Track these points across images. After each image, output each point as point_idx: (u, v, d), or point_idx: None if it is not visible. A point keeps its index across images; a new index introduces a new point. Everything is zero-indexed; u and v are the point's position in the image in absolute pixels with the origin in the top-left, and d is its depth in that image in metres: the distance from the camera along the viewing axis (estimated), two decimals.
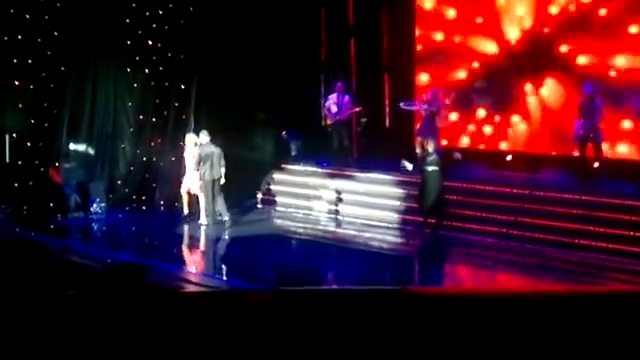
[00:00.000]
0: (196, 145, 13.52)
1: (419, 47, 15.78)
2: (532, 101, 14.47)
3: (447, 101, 14.91)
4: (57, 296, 3.02)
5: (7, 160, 13.58)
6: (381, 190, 14.10)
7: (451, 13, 15.34)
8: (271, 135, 16.26)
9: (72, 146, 14.23)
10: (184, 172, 13.87)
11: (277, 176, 15.58)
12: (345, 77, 16.04)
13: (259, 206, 15.36)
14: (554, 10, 14.00)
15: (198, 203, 13.64)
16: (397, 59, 16.13)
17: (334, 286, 11.55)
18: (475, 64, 15.09)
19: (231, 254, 12.82)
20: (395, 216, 13.64)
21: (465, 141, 15.36)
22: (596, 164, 12.79)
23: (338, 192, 14.60)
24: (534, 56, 14.27)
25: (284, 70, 15.70)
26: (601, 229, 11.48)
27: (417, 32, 15.77)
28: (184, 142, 13.99)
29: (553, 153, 14.13)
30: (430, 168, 11.99)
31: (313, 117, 16.30)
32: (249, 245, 12.57)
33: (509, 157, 14.48)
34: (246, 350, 2.48)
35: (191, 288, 10.22)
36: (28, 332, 2.55)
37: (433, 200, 12.05)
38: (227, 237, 13.23)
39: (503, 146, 14.92)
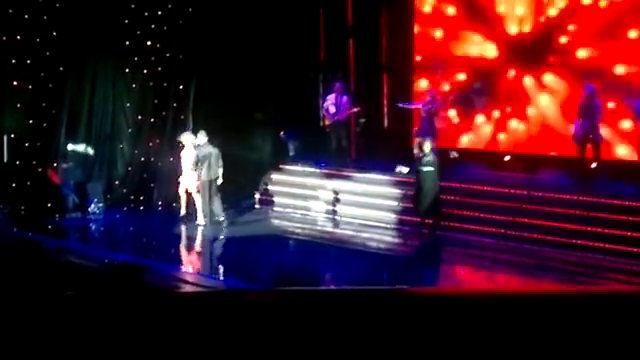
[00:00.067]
0: (193, 145, 13.52)
1: (418, 48, 15.79)
2: (531, 101, 14.49)
3: (450, 98, 14.91)
4: (55, 296, 3.02)
5: (5, 160, 13.58)
6: (379, 190, 14.11)
7: (450, 12, 15.34)
8: (269, 135, 16.26)
9: (70, 146, 14.22)
10: (181, 172, 13.87)
11: (275, 176, 15.58)
12: (344, 77, 16.05)
13: (257, 206, 15.37)
14: (553, 11, 14.02)
15: (195, 204, 13.64)
16: (396, 59, 16.14)
17: (332, 286, 11.55)
18: (474, 64, 15.10)
19: (229, 254, 12.82)
20: (393, 216, 13.65)
21: (463, 141, 15.37)
22: (594, 165, 12.79)
23: (336, 192, 14.60)
24: (533, 56, 14.29)
25: (282, 70, 15.71)
26: (599, 229, 11.49)
27: (416, 32, 15.78)
28: (180, 142, 13.95)
29: (552, 153, 14.14)
30: (426, 169, 11.92)
31: (311, 117, 16.30)
32: (247, 245, 12.57)
33: (507, 157, 14.49)
34: (244, 350, 2.48)
35: (189, 288, 10.21)
36: (26, 332, 2.55)
37: (430, 201, 12.00)
38: (225, 237, 13.23)
39: (501, 146, 14.92)
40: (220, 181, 13.37)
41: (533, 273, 11.20)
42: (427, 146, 12.01)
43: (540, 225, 11.99)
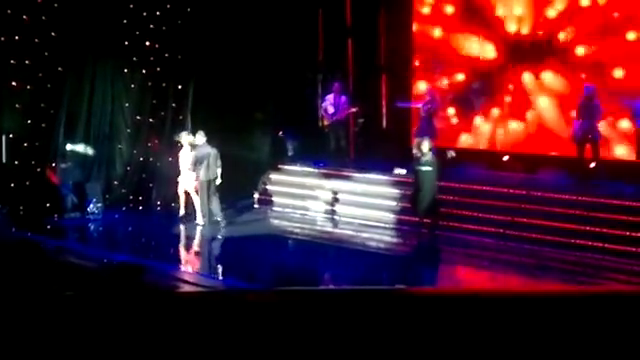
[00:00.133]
0: (191, 145, 13.51)
1: (416, 48, 15.80)
2: (530, 101, 14.49)
3: (449, 98, 14.91)
4: (54, 296, 3.01)
5: (4, 160, 13.57)
6: (378, 190, 14.11)
7: (449, 13, 15.34)
8: (268, 135, 16.26)
9: (69, 146, 14.22)
10: (179, 172, 13.86)
11: (274, 176, 15.58)
12: (342, 78, 16.05)
13: (256, 206, 15.37)
14: (552, 12, 14.02)
15: (194, 204, 13.64)
16: (394, 60, 16.14)
17: (331, 286, 11.54)
18: (473, 64, 15.11)
19: (228, 254, 12.81)
20: (392, 216, 13.65)
21: (463, 141, 15.37)
22: (593, 164, 12.79)
23: (335, 192, 14.60)
24: (532, 56, 14.29)
25: (281, 70, 15.71)
26: (598, 229, 11.50)
27: (414, 32, 15.78)
28: (178, 142, 13.91)
29: (552, 153, 14.14)
30: (425, 168, 11.84)
31: (310, 117, 16.30)
32: (246, 245, 12.56)
33: (506, 157, 14.49)
34: (244, 350, 2.48)
35: (188, 288, 10.21)
36: (25, 332, 2.55)
37: (428, 201, 11.95)
38: (224, 237, 13.23)
39: (500, 146, 14.92)
40: (219, 181, 13.37)
41: (533, 273, 11.20)
42: (425, 146, 11.92)
43: (539, 225, 11.99)
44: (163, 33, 14.75)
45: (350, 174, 14.75)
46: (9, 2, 13.15)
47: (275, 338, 2.48)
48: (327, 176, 14.86)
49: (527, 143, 14.58)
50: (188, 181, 13.62)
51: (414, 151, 13.23)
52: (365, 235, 13.35)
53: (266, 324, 2.52)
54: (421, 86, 15.68)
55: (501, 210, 12.53)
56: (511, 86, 14.66)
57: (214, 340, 2.50)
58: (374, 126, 16.28)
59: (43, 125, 13.80)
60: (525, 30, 14.37)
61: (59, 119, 13.93)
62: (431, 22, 15.63)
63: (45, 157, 13.86)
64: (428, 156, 11.85)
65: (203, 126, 13.92)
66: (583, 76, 13.53)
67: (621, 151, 13.50)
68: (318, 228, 14.07)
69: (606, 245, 11.30)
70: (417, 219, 12.54)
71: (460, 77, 15.37)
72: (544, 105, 14.34)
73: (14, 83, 13.42)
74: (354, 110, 15.63)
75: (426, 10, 15.70)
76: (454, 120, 15.52)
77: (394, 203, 13.75)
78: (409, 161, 13.21)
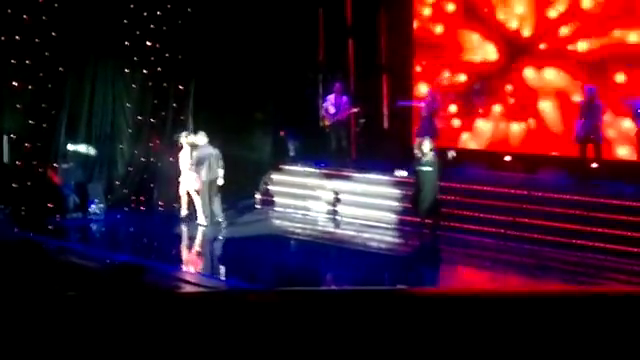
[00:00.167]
0: (191, 145, 13.51)
1: (417, 48, 15.79)
2: (531, 101, 14.48)
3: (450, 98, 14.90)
4: (56, 296, 3.02)
5: (5, 161, 13.59)
6: (379, 191, 14.11)
7: (450, 12, 15.33)
8: (269, 135, 16.26)
9: (70, 147, 14.22)
10: (180, 173, 13.86)
11: (275, 177, 15.58)
12: (343, 78, 16.04)
13: (257, 206, 15.37)
14: (553, 12, 14.02)
15: (195, 204, 13.65)
16: (395, 60, 16.13)
17: (333, 286, 11.55)
18: (474, 64, 15.11)
19: (229, 254, 12.82)
20: (393, 217, 13.65)
21: (464, 141, 15.36)
22: (594, 165, 12.79)
23: (336, 193, 14.60)
24: (534, 55, 14.29)
25: (282, 71, 15.70)
26: (599, 229, 11.49)
27: (415, 32, 15.78)
28: (179, 142, 13.90)
29: (553, 153, 14.14)
30: (425, 169, 11.79)
31: (311, 118, 16.29)
32: (247, 245, 12.56)
33: (507, 157, 14.48)
34: (245, 351, 2.48)
35: (189, 288, 10.21)
36: (27, 332, 2.55)
37: (429, 201, 11.90)
38: (225, 238, 13.23)
39: (502, 146, 14.91)
40: (221, 182, 13.36)
41: (533, 273, 11.20)
42: (426, 146, 11.87)
43: (540, 225, 11.98)
44: (164, 33, 14.75)
45: (351, 174, 14.75)
46: (10, 2, 13.16)
47: (277, 338, 2.48)
48: (328, 176, 14.86)
49: (528, 143, 14.57)
50: (189, 181, 13.62)
51: (415, 151, 13.24)
52: (366, 235, 13.35)
53: (268, 324, 2.52)
54: (422, 86, 15.67)
55: (502, 210, 12.52)
56: (512, 86, 14.64)
57: (215, 340, 2.51)
58: (375, 126, 16.27)
59: (44, 125, 13.81)
60: (526, 30, 14.36)
61: (60, 119, 13.94)
62: (432, 22, 15.62)
63: (47, 157, 13.88)
64: (429, 156, 11.81)
65: (204, 126, 13.93)
66: (585, 76, 13.50)
67: (622, 151, 13.49)
68: (319, 228, 14.07)
69: (607, 245, 11.28)
70: (418, 219, 12.53)
71: (461, 77, 15.36)
72: (545, 105, 14.33)
73: (15, 83, 13.43)
74: (355, 110, 15.62)
75: (427, 9, 15.69)
76: (455, 120, 15.51)
77: (395, 203, 13.74)
78: (410, 161, 13.21)
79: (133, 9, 14.37)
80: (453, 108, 15.46)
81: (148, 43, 14.67)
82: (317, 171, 15.09)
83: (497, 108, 14.97)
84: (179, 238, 13.48)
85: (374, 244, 13.02)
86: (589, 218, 11.70)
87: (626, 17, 13.18)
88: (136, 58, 14.62)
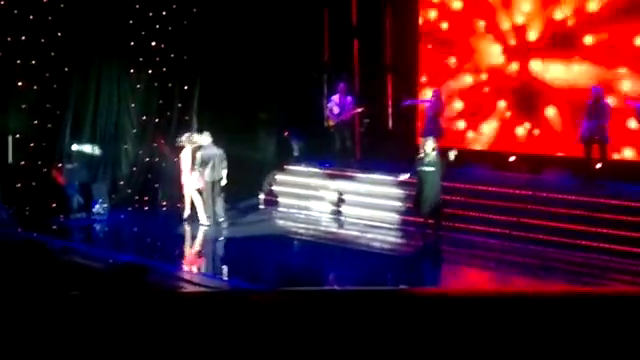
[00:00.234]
0: (194, 146, 13.50)
1: (422, 48, 15.78)
2: (537, 101, 14.45)
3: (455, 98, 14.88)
4: (59, 296, 3.02)
5: (10, 160, 13.60)
6: (383, 191, 14.09)
7: (456, 12, 15.31)
8: (273, 136, 16.27)
9: (75, 147, 14.24)
10: (181, 173, 13.86)
11: (279, 177, 15.58)
12: (348, 78, 16.03)
13: (261, 207, 15.37)
14: (560, 13, 13.99)
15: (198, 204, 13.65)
16: (400, 60, 16.12)
17: (336, 287, 11.54)
18: (479, 63, 15.09)
19: (233, 255, 12.82)
20: (397, 217, 13.64)
21: (468, 142, 15.34)
22: (599, 165, 12.75)
23: (340, 193, 14.60)
24: (540, 56, 14.27)
25: (287, 71, 15.71)
26: (604, 230, 11.46)
27: (420, 32, 15.76)
28: (180, 143, 13.87)
29: (558, 154, 14.11)
30: (428, 169, 11.63)
31: (316, 118, 16.29)
32: (251, 246, 12.57)
33: (512, 158, 14.46)
34: (247, 350, 2.48)
35: (192, 288, 10.22)
36: (30, 332, 2.55)
37: (431, 202, 11.77)
38: (229, 238, 13.23)
39: (506, 147, 14.88)
40: (224, 182, 13.37)
41: (538, 274, 11.18)
42: (428, 146, 11.77)
43: (545, 226, 11.96)
44: (169, 33, 14.77)
45: (355, 174, 14.74)
46: (16, 2, 13.18)
47: (279, 338, 2.48)
48: (332, 176, 14.86)
49: (533, 143, 14.54)
50: (191, 182, 13.62)
51: (420, 151, 13.16)
52: (370, 236, 13.34)
53: (270, 325, 2.52)
54: (427, 86, 15.66)
55: (507, 211, 12.50)
56: (518, 86, 14.61)
57: (218, 340, 2.50)
58: (380, 126, 16.26)
59: (49, 125, 13.83)
60: (533, 31, 14.32)
61: (65, 119, 13.95)
62: (437, 21, 15.61)
63: (51, 157, 13.89)
64: (431, 156, 11.66)
65: (209, 126, 13.94)
66: (592, 76, 13.48)
67: (628, 152, 13.45)
68: (323, 229, 14.06)
69: (612, 246, 11.26)
70: (421, 220, 12.50)
71: (467, 77, 15.34)
72: (551, 105, 14.30)
73: (20, 83, 13.45)
74: (359, 110, 15.62)
75: (432, 9, 15.67)
76: (460, 120, 15.49)
77: (399, 204, 13.73)
78: (414, 162, 13.18)
79: (138, 9, 14.39)
80: (458, 109, 15.43)
81: (153, 43, 14.69)
82: (321, 171, 15.09)
83: (502, 108, 14.94)
84: (182, 238, 13.49)
85: (377, 244, 13.01)
86: (594, 219, 11.68)
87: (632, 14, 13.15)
88: (141, 58, 14.64)
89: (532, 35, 14.32)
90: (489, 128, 15.18)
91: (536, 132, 14.51)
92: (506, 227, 12.29)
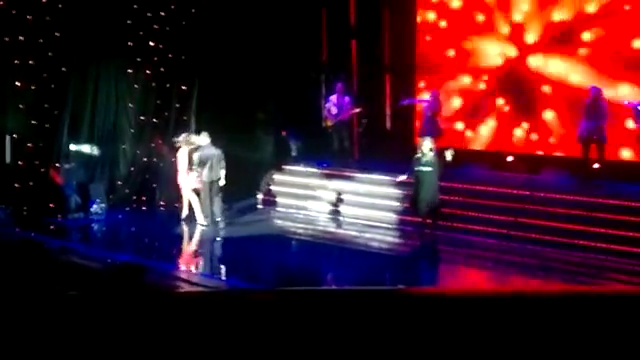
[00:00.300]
0: (190, 146, 13.50)
1: (420, 48, 15.79)
2: (535, 101, 14.47)
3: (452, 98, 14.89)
4: (57, 296, 3.02)
5: (7, 160, 13.59)
6: (381, 191, 14.10)
7: (454, 11, 15.31)
8: (271, 136, 16.27)
9: (73, 147, 14.23)
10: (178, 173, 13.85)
11: (277, 177, 15.59)
12: (346, 78, 16.03)
13: (259, 207, 15.37)
14: (559, 13, 14.00)
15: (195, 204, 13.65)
16: (398, 60, 16.13)
17: (334, 286, 11.54)
18: (477, 63, 15.10)
19: (231, 254, 12.81)
20: (395, 217, 13.65)
21: (466, 141, 15.35)
22: (597, 165, 12.77)
23: (338, 193, 14.60)
24: (539, 55, 14.27)
25: (285, 71, 15.71)
26: (602, 230, 11.48)
27: (418, 32, 15.77)
28: (177, 143, 13.86)
29: (556, 154, 14.12)
30: (425, 169, 11.62)
31: (313, 118, 16.30)
32: (249, 245, 12.56)
33: (510, 158, 14.47)
34: (245, 350, 2.48)
35: (190, 288, 10.22)
36: (28, 332, 2.55)
37: (429, 202, 11.77)
38: (227, 238, 13.23)
39: (504, 147, 14.90)
40: (223, 182, 13.37)
41: (536, 274, 11.19)
42: (426, 146, 11.76)
43: (543, 225, 11.97)
44: (167, 33, 14.77)
45: (353, 174, 14.75)
46: (13, 2, 13.18)
47: (277, 338, 2.48)
48: (330, 177, 14.86)
49: (531, 143, 14.55)
50: (187, 182, 13.62)
51: (417, 151, 13.15)
52: (368, 235, 13.35)
53: (268, 324, 2.52)
54: (425, 86, 15.67)
55: (504, 211, 12.51)
56: (516, 86, 14.62)
57: (216, 340, 2.51)
58: (378, 126, 16.27)
59: (47, 125, 13.82)
60: (532, 31, 14.33)
61: (63, 119, 13.95)
62: (435, 22, 15.61)
63: (49, 157, 13.88)
64: (428, 156, 11.66)
65: (207, 126, 13.94)
66: (590, 76, 13.50)
67: (626, 152, 13.47)
68: (321, 229, 14.07)
69: (609, 246, 11.27)
70: (419, 220, 12.50)
71: (464, 77, 15.35)
72: (549, 105, 14.31)
73: (18, 83, 13.44)
74: (358, 110, 15.63)
75: (430, 10, 15.68)
76: (458, 120, 15.50)
77: (397, 204, 13.73)
78: (411, 162, 13.18)
79: (137, 9, 14.39)
80: (456, 109, 15.44)
81: (151, 43, 14.69)
82: (319, 171, 15.10)
83: (500, 108, 14.95)
84: (180, 238, 13.49)
85: (375, 244, 13.01)
86: (591, 219, 11.69)
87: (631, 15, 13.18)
88: (139, 58, 14.63)
89: (530, 35, 14.34)
90: (487, 128, 15.20)
91: (534, 133, 14.52)
92: (504, 227, 12.30)
